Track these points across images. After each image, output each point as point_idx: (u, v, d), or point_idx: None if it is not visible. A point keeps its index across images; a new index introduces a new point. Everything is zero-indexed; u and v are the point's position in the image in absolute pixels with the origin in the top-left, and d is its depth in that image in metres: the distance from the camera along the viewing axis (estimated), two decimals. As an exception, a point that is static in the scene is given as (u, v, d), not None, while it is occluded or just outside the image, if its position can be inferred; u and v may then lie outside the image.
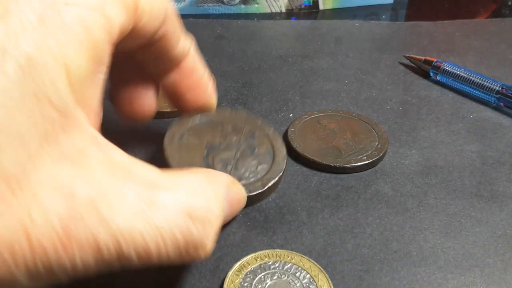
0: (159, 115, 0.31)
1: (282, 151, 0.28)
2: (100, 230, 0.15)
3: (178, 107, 0.29)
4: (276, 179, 0.27)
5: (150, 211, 0.17)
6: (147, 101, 0.27)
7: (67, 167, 0.16)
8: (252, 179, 0.27)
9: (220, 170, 0.26)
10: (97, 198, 0.16)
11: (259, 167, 0.27)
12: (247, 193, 0.25)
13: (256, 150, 0.28)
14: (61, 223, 0.15)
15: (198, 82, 0.27)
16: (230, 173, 0.26)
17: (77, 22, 0.17)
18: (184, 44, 0.26)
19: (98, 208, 0.16)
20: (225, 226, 0.26)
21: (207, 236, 0.19)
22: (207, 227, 0.19)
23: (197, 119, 0.28)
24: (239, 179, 0.26)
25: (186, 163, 0.26)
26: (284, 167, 0.28)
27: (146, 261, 0.17)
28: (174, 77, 0.27)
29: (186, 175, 0.20)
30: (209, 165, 0.27)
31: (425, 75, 0.40)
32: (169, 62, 0.26)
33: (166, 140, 0.27)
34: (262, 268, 0.24)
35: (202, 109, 0.29)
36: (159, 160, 0.25)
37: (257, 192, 0.26)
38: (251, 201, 0.26)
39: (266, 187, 0.26)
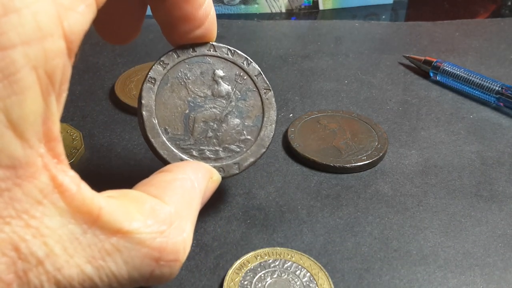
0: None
1: (271, 124, 0.26)
2: (45, 284, 0.16)
3: (171, 38, 0.25)
4: (253, 160, 0.25)
5: (105, 260, 0.17)
6: (131, 26, 0.25)
7: (18, 223, 0.15)
8: (229, 155, 0.25)
9: (198, 135, 0.25)
10: (43, 255, 0.16)
11: (242, 138, 0.25)
12: (221, 173, 0.25)
13: (244, 114, 0.26)
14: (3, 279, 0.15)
15: (197, 7, 0.23)
16: (209, 139, 0.25)
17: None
18: None
19: (43, 264, 0.16)
20: (225, 224, 0.26)
21: (172, 274, 0.19)
22: (174, 267, 0.19)
23: (186, 57, 0.25)
24: (218, 147, 0.25)
25: (162, 122, 0.24)
26: (267, 146, 0.26)
27: None
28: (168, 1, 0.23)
29: (157, 208, 0.19)
30: (188, 127, 0.25)
31: (425, 75, 0.40)
32: None
33: (146, 84, 0.24)
34: (262, 266, 0.24)
35: (198, 40, 0.25)
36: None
37: (232, 174, 0.25)
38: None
39: (241, 170, 0.25)
